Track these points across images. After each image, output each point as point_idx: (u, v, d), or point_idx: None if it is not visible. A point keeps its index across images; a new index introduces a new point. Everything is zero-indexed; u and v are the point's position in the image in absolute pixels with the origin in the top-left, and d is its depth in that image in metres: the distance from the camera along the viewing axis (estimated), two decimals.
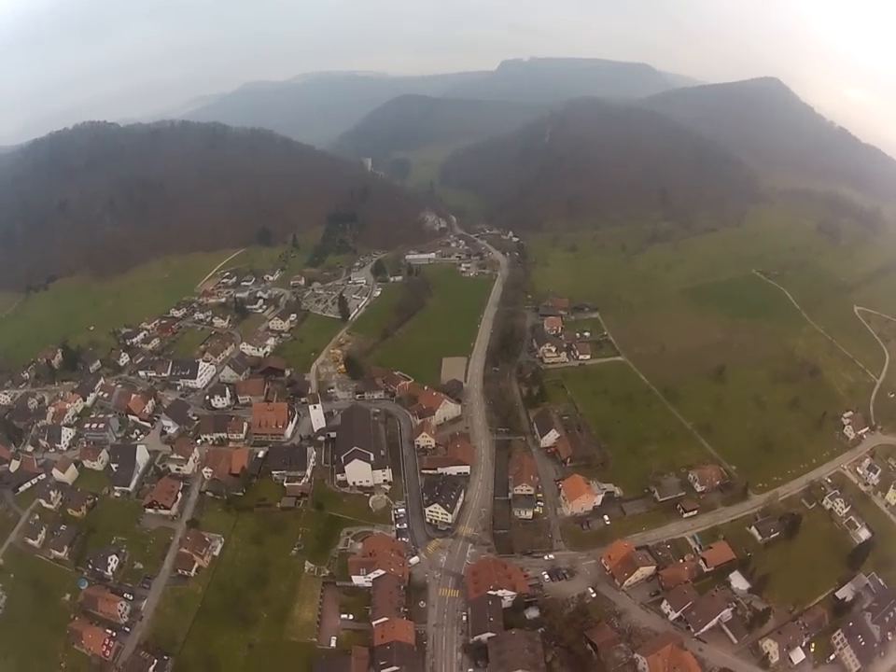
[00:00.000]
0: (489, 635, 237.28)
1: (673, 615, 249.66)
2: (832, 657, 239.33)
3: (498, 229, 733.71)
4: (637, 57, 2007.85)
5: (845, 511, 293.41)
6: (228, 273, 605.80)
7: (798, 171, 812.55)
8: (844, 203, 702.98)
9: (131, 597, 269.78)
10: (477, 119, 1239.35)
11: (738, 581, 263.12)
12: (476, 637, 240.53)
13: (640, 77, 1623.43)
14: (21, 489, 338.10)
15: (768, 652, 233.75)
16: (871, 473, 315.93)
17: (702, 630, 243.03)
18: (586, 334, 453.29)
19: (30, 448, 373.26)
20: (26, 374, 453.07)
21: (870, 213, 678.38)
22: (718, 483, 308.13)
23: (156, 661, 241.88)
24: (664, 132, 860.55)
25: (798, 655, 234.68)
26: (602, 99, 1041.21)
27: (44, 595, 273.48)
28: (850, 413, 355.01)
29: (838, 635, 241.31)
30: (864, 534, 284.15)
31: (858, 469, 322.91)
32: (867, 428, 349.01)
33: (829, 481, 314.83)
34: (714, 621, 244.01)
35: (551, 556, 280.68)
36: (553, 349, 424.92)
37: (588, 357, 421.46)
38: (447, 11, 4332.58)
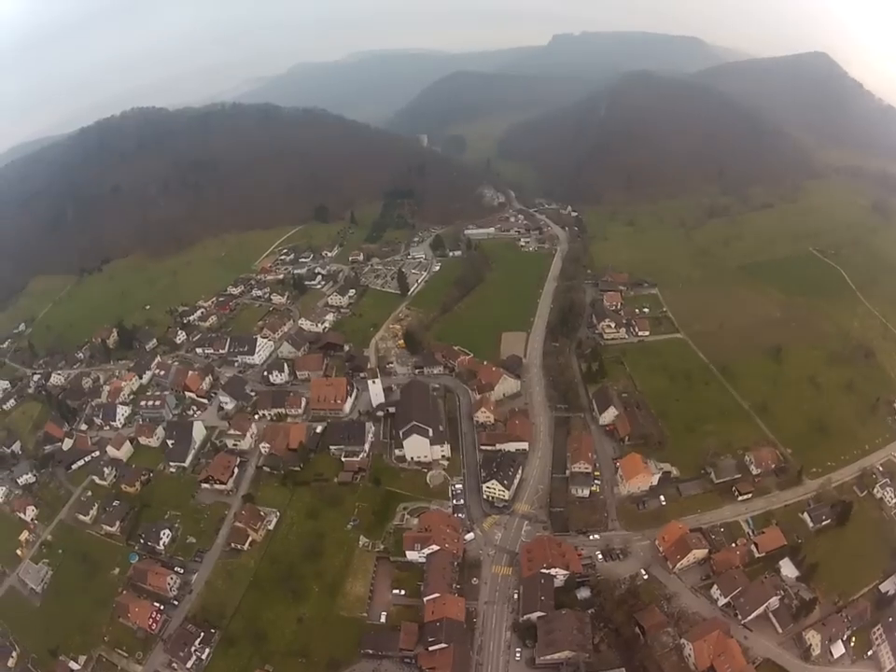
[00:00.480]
0: (539, 614, 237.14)
1: (722, 601, 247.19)
2: (869, 653, 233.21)
3: (556, 203, 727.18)
4: (686, 30, 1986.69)
5: (894, 500, 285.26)
6: (286, 250, 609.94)
7: (849, 147, 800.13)
8: None
9: (181, 571, 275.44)
10: (531, 93, 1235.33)
11: (788, 569, 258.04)
12: (526, 616, 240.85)
13: (691, 51, 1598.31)
14: (73, 467, 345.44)
15: (811, 644, 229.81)
16: None
17: (749, 617, 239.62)
18: (645, 310, 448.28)
19: (84, 426, 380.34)
20: (80, 354, 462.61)
21: None
22: (773, 466, 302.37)
23: (202, 634, 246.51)
24: (717, 105, 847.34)
25: (838, 649, 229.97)
26: (655, 73, 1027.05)
27: (92, 570, 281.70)
28: None
29: (877, 630, 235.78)
30: None
31: None
32: None
33: (880, 468, 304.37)
34: (761, 608, 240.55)
35: (596, 536, 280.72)
36: (613, 325, 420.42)
37: (647, 333, 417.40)
38: None
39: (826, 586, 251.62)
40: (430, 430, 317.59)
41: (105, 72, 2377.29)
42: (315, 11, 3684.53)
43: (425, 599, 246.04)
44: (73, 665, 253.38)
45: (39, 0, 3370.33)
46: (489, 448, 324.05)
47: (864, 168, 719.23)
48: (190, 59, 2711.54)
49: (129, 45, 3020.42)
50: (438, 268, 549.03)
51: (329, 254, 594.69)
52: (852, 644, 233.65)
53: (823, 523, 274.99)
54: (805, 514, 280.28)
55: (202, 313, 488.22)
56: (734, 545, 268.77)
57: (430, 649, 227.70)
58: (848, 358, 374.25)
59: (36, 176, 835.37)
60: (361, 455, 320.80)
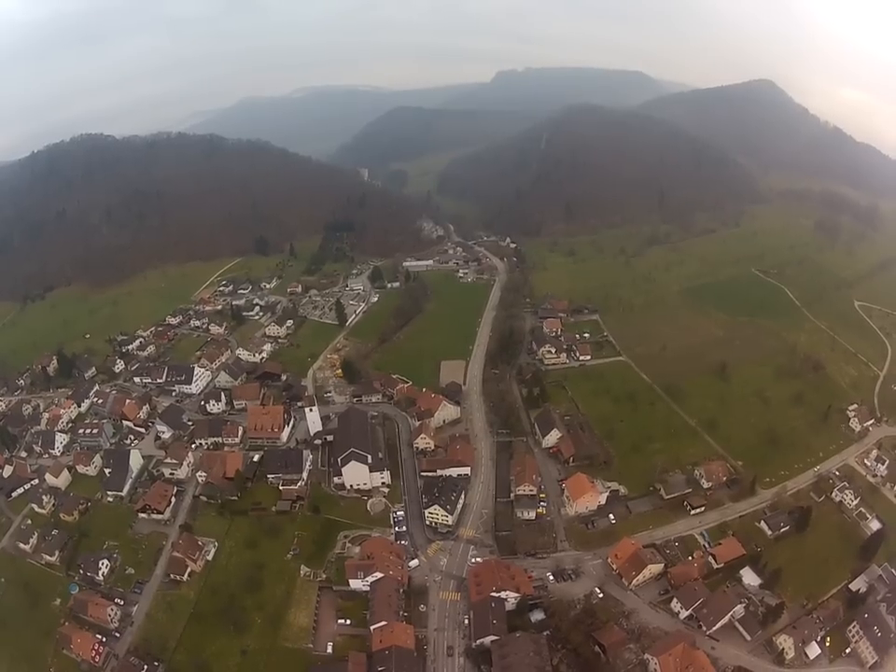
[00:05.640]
0: (492, 638, 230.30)
1: (683, 613, 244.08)
2: (847, 650, 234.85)
3: (496, 235, 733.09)
4: (631, 65, 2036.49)
5: (854, 502, 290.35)
6: (225, 282, 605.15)
7: (795, 171, 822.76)
8: (841, 201, 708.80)
9: (122, 602, 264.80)
10: (473, 128, 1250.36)
11: (749, 577, 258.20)
12: (479, 641, 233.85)
13: (635, 85, 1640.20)
14: (13, 494, 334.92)
15: (783, 648, 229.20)
16: (879, 465, 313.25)
17: (714, 628, 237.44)
18: (586, 335, 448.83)
19: (23, 454, 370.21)
20: (21, 381, 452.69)
21: (868, 210, 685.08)
22: (725, 478, 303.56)
23: (146, 667, 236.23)
24: (660, 135, 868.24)
25: (814, 650, 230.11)
26: (598, 105, 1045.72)
27: (34, 600, 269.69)
28: (855, 405, 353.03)
29: (853, 627, 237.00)
30: (875, 525, 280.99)
31: (865, 460, 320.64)
32: (873, 421, 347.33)
33: (837, 473, 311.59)
34: (726, 618, 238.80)
35: (543, 556, 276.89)
36: (553, 350, 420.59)
37: (588, 357, 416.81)
38: (443, 22, 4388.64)
39: (792, 591, 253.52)
40: (369, 457, 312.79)
41: (58, 98, 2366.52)
42: (264, 46, 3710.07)
43: (371, 628, 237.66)
44: None
45: None
46: (430, 474, 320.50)
47: (810, 190, 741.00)
48: (143, 87, 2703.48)
49: (85, 73, 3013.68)
50: (376, 299, 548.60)
51: (268, 285, 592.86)
52: (827, 644, 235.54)
53: (782, 530, 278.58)
54: (763, 523, 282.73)
55: (140, 342, 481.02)
56: (690, 558, 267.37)
57: None
58: (797, 372, 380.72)
59: None
60: (299, 484, 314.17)
